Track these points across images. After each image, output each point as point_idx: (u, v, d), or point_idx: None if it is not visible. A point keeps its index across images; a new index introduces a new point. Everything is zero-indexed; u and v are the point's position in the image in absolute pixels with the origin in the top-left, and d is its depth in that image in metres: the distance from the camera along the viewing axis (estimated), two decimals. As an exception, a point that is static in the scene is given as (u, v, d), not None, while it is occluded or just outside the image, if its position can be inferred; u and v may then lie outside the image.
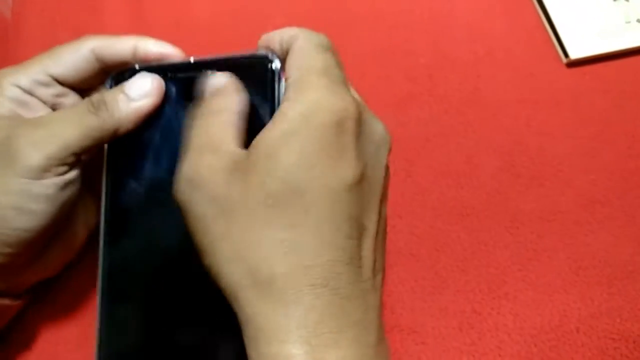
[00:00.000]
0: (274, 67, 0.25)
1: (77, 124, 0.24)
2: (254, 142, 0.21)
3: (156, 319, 0.25)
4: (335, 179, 0.20)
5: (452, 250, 0.34)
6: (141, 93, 0.25)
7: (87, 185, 0.27)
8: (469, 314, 0.32)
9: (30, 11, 0.41)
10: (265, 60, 0.25)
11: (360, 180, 0.21)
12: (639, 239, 0.34)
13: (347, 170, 0.20)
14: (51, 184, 0.24)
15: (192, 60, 0.26)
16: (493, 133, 0.38)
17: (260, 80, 0.24)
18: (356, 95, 0.24)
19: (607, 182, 0.36)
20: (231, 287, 0.20)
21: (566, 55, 0.39)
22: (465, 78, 0.39)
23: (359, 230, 0.21)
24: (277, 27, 0.40)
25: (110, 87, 0.26)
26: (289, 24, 0.40)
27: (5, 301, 0.26)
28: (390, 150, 0.24)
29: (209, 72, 0.25)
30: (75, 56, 0.26)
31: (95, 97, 0.24)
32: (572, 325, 0.32)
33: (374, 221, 0.21)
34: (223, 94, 0.23)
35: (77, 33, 0.40)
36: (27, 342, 0.30)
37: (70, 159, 0.24)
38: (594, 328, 0.32)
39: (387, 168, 0.23)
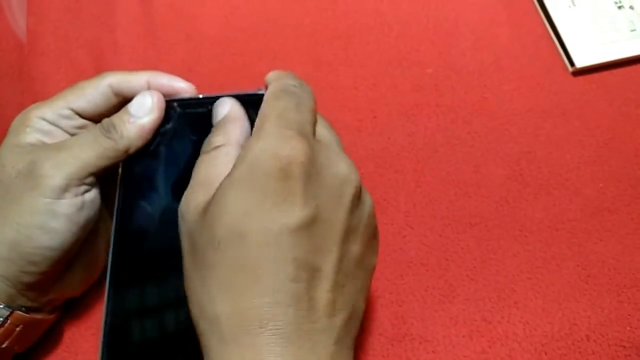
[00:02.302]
0: None
1: (93, 146, 0.26)
2: (220, 182, 0.22)
3: (163, 340, 0.26)
4: (277, 224, 0.21)
5: (461, 259, 0.34)
6: (144, 110, 0.27)
7: (108, 209, 0.29)
8: (479, 322, 0.32)
9: (45, 29, 0.42)
10: (262, 98, 0.26)
11: (310, 223, 0.21)
12: (647, 246, 0.34)
13: (291, 214, 0.21)
14: (72, 203, 0.25)
15: (201, 96, 0.28)
16: (500, 142, 0.38)
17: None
18: (325, 133, 0.25)
19: (615, 190, 0.36)
20: (193, 317, 0.22)
21: (572, 64, 0.40)
22: (471, 88, 0.40)
23: (309, 272, 0.21)
24: (284, 40, 0.41)
25: None
26: (298, 37, 0.41)
27: (39, 316, 0.28)
28: (356, 189, 0.23)
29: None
30: (96, 92, 0.28)
31: (106, 121, 0.27)
32: (582, 334, 0.32)
33: (331, 261, 0.22)
34: (224, 125, 0.25)
35: (90, 50, 0.41)
36: (49, 349, 0.31)
37: (89, 179, 0.26)
38: (604, 336, 0.32)
39: (352, 206, 0.23)
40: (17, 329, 0.26)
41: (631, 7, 0.41)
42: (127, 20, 0.42)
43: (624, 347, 0.31)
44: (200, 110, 0.28)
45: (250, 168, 0.21)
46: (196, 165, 0.25)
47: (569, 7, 0.42)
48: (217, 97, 0.27)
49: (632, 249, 0.34)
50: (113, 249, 0.27)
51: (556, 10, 0.41)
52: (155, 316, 0.26)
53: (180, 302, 0.25)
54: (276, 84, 0.25)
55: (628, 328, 0.32)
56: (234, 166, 0.22)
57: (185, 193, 0.24)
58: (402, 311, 0.33)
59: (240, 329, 0.20)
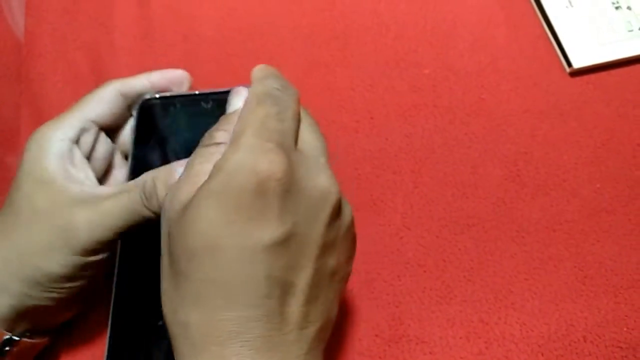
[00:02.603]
0: None
1: (129, 213, 0.25)
2: (197, 189, 0.21)
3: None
4: (252, 239, 0.20)
5: (458, 260, 0.34)
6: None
7: None
8: (476, 323, 0.32)
9: (43, 30, 0.42)
10: None
11: (285, 240, 0.21)
12: (644, 247, 0.34)
13: (266, 231, 0.20)
14: (102, 259, 0.26)
15: (196, 92, 0.29)
16: (498, 143, 0.38)
17: None
18: (309, 141, 0.24)
19: (613, 191, 0.36)
20: (165, 319, 0.22)
21: (569, 64, 0.40)
22: (469, 88, 0.40)
23: (282, 288, 0.21)
24: (281, 42, 0.41)
25: (136, 115, 0.29)
26: (295, 38, 0.41)
27: (34, 340, 0.28)
28: (335, 203, 0.23)
29: (206, 104, 0.28)
30: (106, 98, 0.28)
31: (149, 186, 0.25)
32: (579, 334, 0.32)
33: (305, 277, 0.21)
34: (232, 122, 0.24)
35: (88, 51, 0.41)
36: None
37: (117, 237, 0.26)
38: (601, 337, 0.32)
39: (331, 220, 0.22)
40: (22, 355, 0.27)
41: (629, 8, 0.41)
42: (125, 21, 0.42)
43: (621, 348, 0.31)
44: (196, 105, 0.29)
45: (227, 180, 0.21)
46: (191, 157, 0.23)
47: (567, 7, 0.42)
48: (212, 93, 0.28)
49: (629, 250, 0.34)
50: (118, 266, 0.27)
51: (554, 11, 0.41)
52: (156, 333, 0.27)
53: None
54: (259, 86, 0.24)
55: (625, 329, 0.32)
56: (211, 174, 0.21)
57: (173, 184, 0.23)
58: (399, 312, 0.33)
59: (209, 339, 0.20)
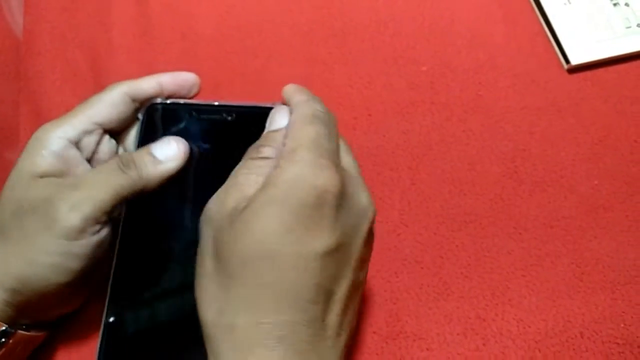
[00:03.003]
0: None
1: (109, 185, 0.25)
2: (250, 199, 0.23)
3: (160, 350, 0.26)
4: (307, 248, 0.21)
5: (456, 257, 0.34)
6: (168, 156, 0.27)
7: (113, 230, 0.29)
8: (474, 319, 0.32)
9: (42, 28, 0.42)
10: None
11: (334, 250, 0.22)
12: (642, 243, 0.34)
13: (320, 241, 0.22)
14: (88, 243, 0.25)
15: (216, 103, 0.29)
16: (495, 140, 0.38)
17: None
18: (349, 162, 0.25)
19: (610, 188, 0.36)
20: (205, 324, 0.22)
21: (567, 61, 0.40)
22: (467, 85, 0.40)
23: (326, 296, 0.22)
24: (280, 39, 0.41)
25: (143, 119, 0.28)
26: (293, 36, 0.41)
27: (32, 333, 0.28)
28: (372, 220, 0.25)
29: (229, 116, 0.28)
30: (114, 101, 0.28)
31: (125, 156, 0.26)
32: (576, 331, 0.32)
33: (344, 287, 0.23)
34: (271, 140, 0.25)
35: (86, 49, 0.41)
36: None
37: (103, 218, 0.26)
38: (598, 333, 0.32)
39: (368, 236, 0.24)
40: (18, 347, 0.27)
41: (627, 5, 0.41)
42: (123, 19, 0.42)
43: (618, 344, 0.32)
44: (213, 116, 0.28)
45: (287, 191, 0.22)
46: (238, 167, 0.24)
47: (565, 4, 0.42)
48: (234, 107, 0.28)
49: (626, 246, 0.34)
50: (116, 263, 0.27)
51: (552, 7, 0.41)
52: (153, 328, 0.27)
53: (181, 316, 0.26)
54: (306, 108, 0.25)
55: (622, 325, 0.32)
56: (270, 184, 0.22)
57: (219, 191, 0.24)
58: (397, 309, 0.33)
59: (256, 341, 0.21)
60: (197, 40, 0.41)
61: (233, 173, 0.24)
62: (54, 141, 0.27)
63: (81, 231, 0.25)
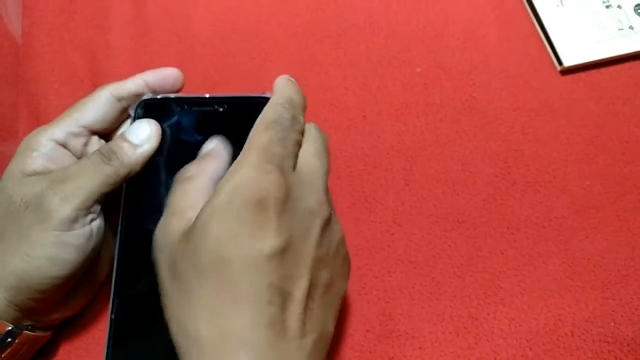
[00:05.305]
0: None
1: (95, 174, 0.26)
2: (200, 210, 0.23)
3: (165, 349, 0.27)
4: (255, 250, 0.22)
5: (449, 256, 0.35)
6: (143, 139, 0.28)
7: (110, 227, 0.29)
8: (466, 319, 0.33)
9: (40, 31, 0.42)
10: (265, 102, 0.27)
11: (283, 250, 0.23)
12: (633, 244, 0.35)
13: (266, 242, 0.22)
14: (81, 233, 0.26)
15: (207, 95, 0.29)
16: (489, 141, 0.38)
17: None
18: (312, 164, 0.26)
19: (602, 188, 0.37)
20: (175, 340, 0.23)
21: (560, 63, 0.40)
22: (460, 87, 0.40)
23: (282, 297, 0.23)
24: (275, 41, 0.42)
25: (134, 115, 0.29)
26: (289, 38, 0.42)
27: (37, 333, 0.28)
28: (325, 222, 0.25)
29: (220, 108, 0.28)
30: (100, 103, 0.29)
31: (104, 148, 0.27)
32: (567, 330, 0.32)
33: (301, 287, 0.23)
34: (204, 159, 0.27)
35: (84, 52, 0.41)
36: None
37: (95, 207, 0.27)
38: (588, 332, 0.32)
39: (321, 237, 0.25)
40: (24, 348, 0.27)
41: (619, 7, 0.42)
42: (121, 22, 0.42)
43: (608, 342, 0.32)
44: (205, 109, 0.28)
45: (232, 197, 0.23)
46: (170, 194, 0.26)
47: (558, 7, 0.42)
48: (225, 98, 0.28)
49: (617, 246, 0.35)
50: (117, 259, 0.27)
51: (545, 10, 0.42)
52: (158, 328, 0.27)
53: None
54: (270, 112, 0.25)
55: (612, 324, 0.32)
56: (216, 193, 0.23)
57: (161, 223, 0.25)
58: (390, 308, 0.33)
59: (220, 348, 0.22)
60: (194, 42, 0.42)
61: (169, 199, 0.26)
62: (43, 143, 0.28)
63: (74, 221, 0.26)
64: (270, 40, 0.42)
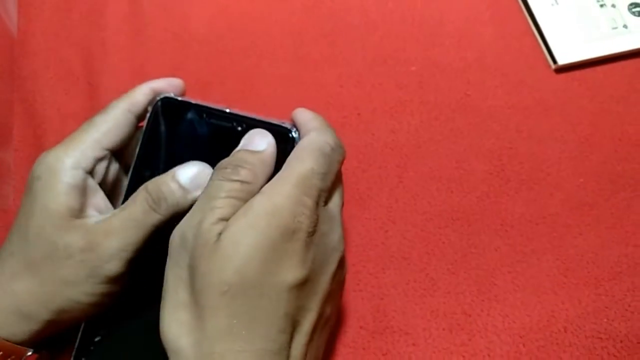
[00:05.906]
0: (293, 139, 0.27)
1: (141, 226, 0.25)
2: (228, 223, 0.23)
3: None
4: (280, 278, 0.23)
5: (442, 253, 0.35)
6: (196, 185, 0.26)
7: None
8: (459, 315, 0.33)
9: (35, 27, 0.42)
10: (287, 132, 0.27)
11: (303, 284, 0.23)
12: (626, 240, 0.35)
13: (290, 273, 0.23)
14: (119, 281, 0.26)
15: (227, 110, 0.28)
16: (483, 138, 0.38)
17: (279, 146, 0.26)
18: (335, 201, 0.26)
19: (596, 185, 0.37)
20: (179, 351, 0.22)
21: (554, 61, 0.40)
22: (455, 85, 0.40)
23: (293, 326, 0.23)
24: (270, 39, 0.42)
25: (151, 112, 0.28)
26: (284, 36, 0.42)
27: (28, 350, 0.27)
28: (340, 259, 0.26)
29: (239, 127, 0.27)
30: (119, 122, 0.28)
31: (153, 191, 0.25)
32: (560, 325, 0.32)
33: (310, 320, 0.24)
34: (257, 163, 0.25)
35: (80, 49, 0.42)
36: None
37: (134, 255, 0.26)
38: (581, 328, 0.32)
39: (336, 273, 0.25)
40: None
41: (613, 6, 0.42)
42: (116, 19, 0.43)
43: (601, 338, 0.32)
44: (223, 123, 0.27)
45: (268, 220, 0.23)
46: (213, 187, 0.24)
47: (552, 5, 0.42)
48: (245, 118, 0.27)
49: (610, 243, 0.35)
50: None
51: (539, 8, 0.42)
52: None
53: None
54: (316, 140, 0.25)
55: (605, 320, 0.32)
56: (252, 208, 0.23)
57: (193, 211, 0.24)
58: (384, 304, 0.33)
59: None
60: (189, 40, 0.42)
61: (206, 191, 0.24)
62: (69, 173, 0.26)
63: (121, 275, 0.26)
64: (266, 38, 0.42)
